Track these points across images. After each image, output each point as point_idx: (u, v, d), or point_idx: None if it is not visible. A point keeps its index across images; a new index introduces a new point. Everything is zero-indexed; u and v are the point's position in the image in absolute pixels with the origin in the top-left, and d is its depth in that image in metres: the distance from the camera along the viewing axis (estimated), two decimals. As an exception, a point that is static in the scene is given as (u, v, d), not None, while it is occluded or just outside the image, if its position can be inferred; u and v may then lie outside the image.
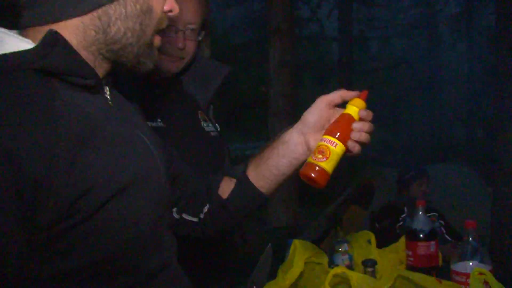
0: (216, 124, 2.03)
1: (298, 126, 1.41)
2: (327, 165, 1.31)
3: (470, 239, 1.78)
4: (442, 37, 17.29)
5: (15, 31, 1.08)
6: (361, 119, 1.37)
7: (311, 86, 15.06)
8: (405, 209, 4.27)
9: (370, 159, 14.54)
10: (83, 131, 0.95)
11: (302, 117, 1.41)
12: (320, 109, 1.39)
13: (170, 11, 1.17)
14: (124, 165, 1.03)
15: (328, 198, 8.62)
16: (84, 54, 1.06)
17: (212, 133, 1.94)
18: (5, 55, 0.96)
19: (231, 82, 12.72)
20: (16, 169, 0.84)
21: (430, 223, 2.06)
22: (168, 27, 1.68)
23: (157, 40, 1.18)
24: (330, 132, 1.35)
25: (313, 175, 1.31)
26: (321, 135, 1.37)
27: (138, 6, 1.08)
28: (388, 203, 4.70)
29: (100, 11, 1.05)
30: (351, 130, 1.35)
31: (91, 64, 1.07)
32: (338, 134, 1.34)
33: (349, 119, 1.36)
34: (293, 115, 7.01)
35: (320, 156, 1.32)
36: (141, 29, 1.11)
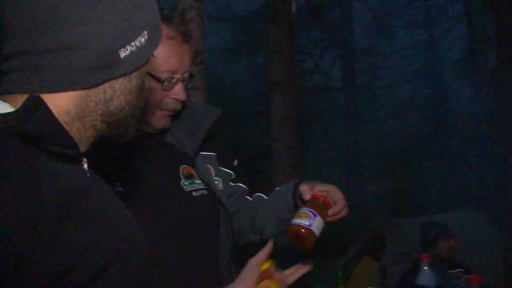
0: (227, 170, 1.89)
1: None
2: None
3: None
4: (447, 83, 17.35)
5: None
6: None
7: (318, 138, 15.05)
8: None
9: (380, 209, 14.39)
10: (67, 203, 0.90)
11: None
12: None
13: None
14: (106, 242, 0.98)
15: (337, 250, 8.50)
16: (76, 124, 1.02)
17: (194, 193, 1.73)
18: None
19: (238, 134, 12.77)
20: None
21: (435, 278, 1.96)
22: (168, 80, 1.63)
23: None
24: None
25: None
26: None
27: (139, 81, 1.08)
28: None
29: (107, 84, 1.03)
30: None
31: (79, 135, 1.03)
32: None
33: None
34: (297, 168, 6.96)
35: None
36: (138, 103, 1.10)
